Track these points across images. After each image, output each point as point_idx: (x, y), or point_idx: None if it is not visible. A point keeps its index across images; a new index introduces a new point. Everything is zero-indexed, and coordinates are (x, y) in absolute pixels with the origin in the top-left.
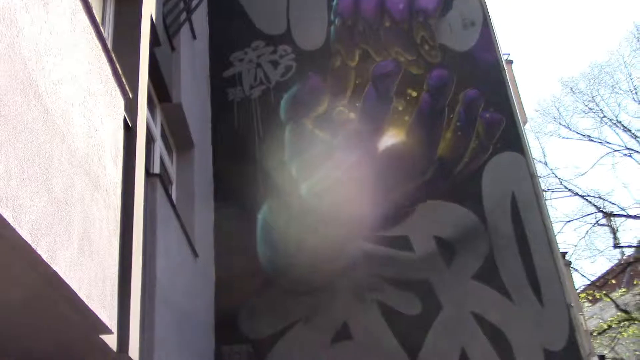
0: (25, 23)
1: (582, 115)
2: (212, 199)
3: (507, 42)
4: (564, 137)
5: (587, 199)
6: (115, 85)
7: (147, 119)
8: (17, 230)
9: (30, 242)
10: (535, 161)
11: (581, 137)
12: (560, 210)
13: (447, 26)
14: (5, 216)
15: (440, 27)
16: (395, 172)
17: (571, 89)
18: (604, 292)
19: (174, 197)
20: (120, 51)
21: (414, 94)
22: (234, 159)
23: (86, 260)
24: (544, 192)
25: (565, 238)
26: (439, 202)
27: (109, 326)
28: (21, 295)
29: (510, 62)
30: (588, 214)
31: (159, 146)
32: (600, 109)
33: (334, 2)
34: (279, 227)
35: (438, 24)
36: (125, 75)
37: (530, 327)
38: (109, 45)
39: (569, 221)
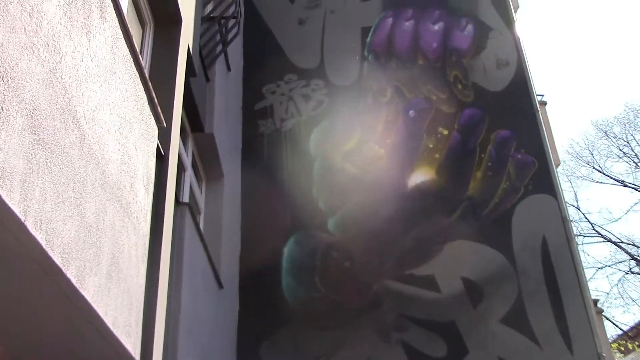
0: (68, 49)
1: (617, 160)
2: (239, 230)
3: (541, 82)
4: (597, 181)
5: (620, 246)
6: (151, 113)
7: (179, 147)
8: (49, 253)
9: (60, 265)
10: (567, 205)
11: (615, 182)
12: (592, 256)
13: (481, 65)
14: (38, 239)
15: (473, 66)
16: (424, 210)
17: (605, 132)
18: (636, 342)
19: (201, 226)
20: (157, 80)
21: (445, 132)
22: (263, 191)
23: (114, 286)
24: (576, 237)
25: (597, 285)
26: (468, 242)
27: (132, 354)
28: (49, 318)
29: (544, 103)
30: (621, 261)
31: (189, 175)
32: (636, 154)
33: (368, 39)
34: (305, 261)
35: (472, 63)
36: (160, 103)
37: None
38: (146, 74)
39: (601, 267)
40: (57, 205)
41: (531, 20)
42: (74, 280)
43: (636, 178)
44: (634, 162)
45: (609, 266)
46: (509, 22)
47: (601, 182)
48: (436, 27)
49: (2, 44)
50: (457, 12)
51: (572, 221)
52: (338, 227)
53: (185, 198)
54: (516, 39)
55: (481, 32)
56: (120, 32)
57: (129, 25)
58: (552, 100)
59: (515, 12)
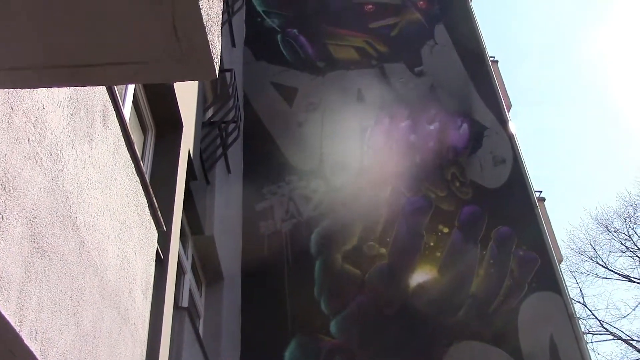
0: (70, 157)
1: (620, 255)
2: (239, 334)
3: (538, 178)
4: (602, 277)
5: (630, 344)
6: (151, 218)
7: (179, 251)
8: None
9: None
10: (573, 301)
11: (620, 277)
12: (602, 354)
13: (478, 163)
14: (33, 350)
15: (470, 164)
16: (427, 310)
17: (606, 227)
18: None
19: (201, 331)
20: (158, 184)
21: (446, 229)
22: (263, 293)
23: None
24: (585, 335)
25: None
26: (474, 342)
27: None
28: None
29: (542, 199)
30: None
31: (188, 279)
32: (639, 248)
33: (366, 139)
34: None
35: (468, 161)
36: (160, 208)
37: None
38: (147, 179)
39: None
40: (53, 314)
41: (524, 117)
42: None
43: None
44: (637, 256)
45: None
46: (502, 120)
47: (606, 278)
48: (432, 126)
49: (5, 155)
50: (452, 111)
51: (579, 318)
52: (341, 329)
53: (185, 302)
54: (511, 136)
55: (476, 130)
56: (122, 139)
57: (131, 132)
58: (549, 193)
59: (509, 111)
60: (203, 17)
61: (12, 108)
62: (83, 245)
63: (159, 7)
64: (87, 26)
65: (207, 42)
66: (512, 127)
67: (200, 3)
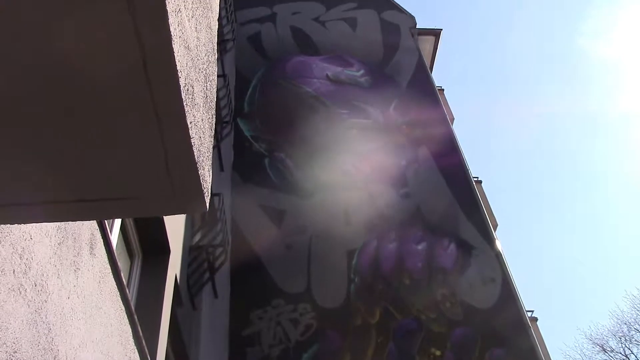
0: (55, 288)
1: None
2: None
3: (529, 297)
4: None
5: None
6: (135, 348)
7: None
8: None
9: None
10: None
11: None
12: None
13: (467, 283)
14: None
15: (460, 284)
16: None
17: (602, 347)
18: None
19: None
20: (143, 312)
21: (438, 352)
22: None
23: None
24: None
25: None
26: None
27: None
28: None
29: (535, 319)
30: None
31: None
32: None
33: (354, 261)
34: None
35: (458, 281)
36: (145, 336)
37: None
38: (132, 306)
39: None
40: None
41: (512, 236)
42: None
43: None
44: None
45: None
46: (489, 240)
47: None
48: (420, 247)
49: None
50: (439, 232)
51: None
52: None
53: None
54: (498, 255)
55: (464, 250)
56: (109, 266)
57: (117, 259)
58: (541, 313)
59: (495, 230)
60: (195, 154)
61: None
62: None
63: (151, 148)
64: (81, 168)
65: (199, 177)
66: (499, 245)
67: (192, 140)
